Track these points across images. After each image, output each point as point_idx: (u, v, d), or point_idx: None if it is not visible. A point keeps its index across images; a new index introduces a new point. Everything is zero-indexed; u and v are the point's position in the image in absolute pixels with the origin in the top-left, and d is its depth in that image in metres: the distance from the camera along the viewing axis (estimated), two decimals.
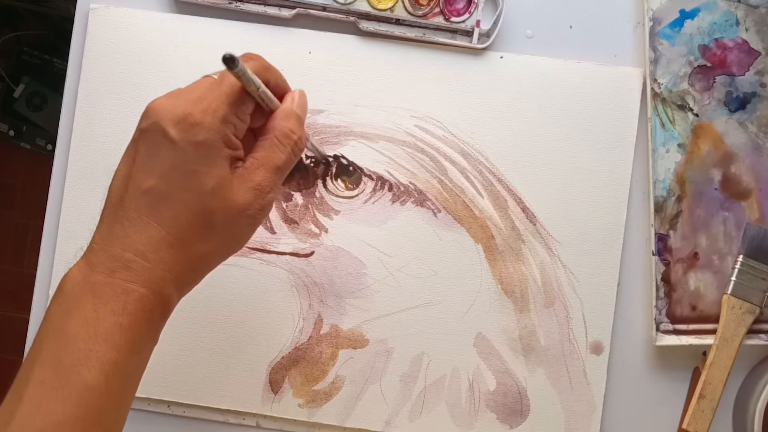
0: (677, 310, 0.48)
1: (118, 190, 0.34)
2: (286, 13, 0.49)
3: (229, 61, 0.32)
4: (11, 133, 1.20)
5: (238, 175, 0.35)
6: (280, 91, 0.38)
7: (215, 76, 0.36)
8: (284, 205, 0.49)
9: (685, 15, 0.49)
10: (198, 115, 0.33)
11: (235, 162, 0.35)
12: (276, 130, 0.36)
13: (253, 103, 0.36)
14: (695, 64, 0.48)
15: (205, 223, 0.34)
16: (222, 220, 0.34)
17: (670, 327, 0.48)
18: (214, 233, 0.34)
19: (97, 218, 0.51)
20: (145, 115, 0.34)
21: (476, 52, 0.49)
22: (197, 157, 0.33)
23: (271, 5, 0.50)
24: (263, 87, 0.36)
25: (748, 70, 0.48)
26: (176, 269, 0.34)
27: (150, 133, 0.34)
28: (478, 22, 0.49)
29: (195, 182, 0.33)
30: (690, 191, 0.48)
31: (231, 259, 0.37)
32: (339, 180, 0.49)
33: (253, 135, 0.38)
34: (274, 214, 0.49)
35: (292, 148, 0.37)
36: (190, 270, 0.35)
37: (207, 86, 0.35)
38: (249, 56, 0.36)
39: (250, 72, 0.34)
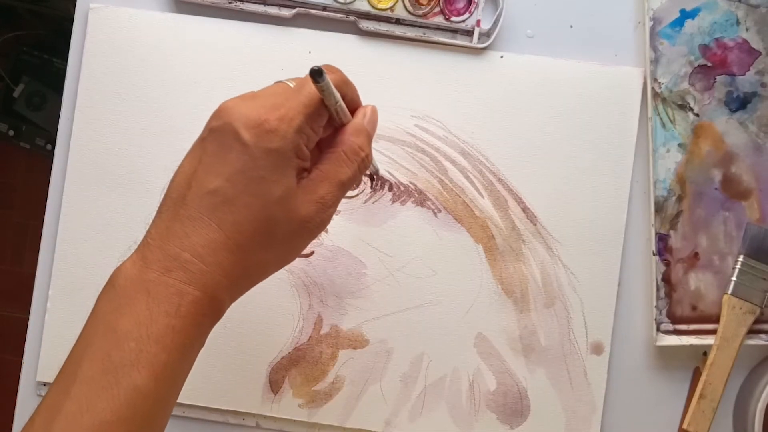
0: (678, 310, 0.48)
1: (180, 187, 0.33)
2: (286, 12, 0.49)
3: (317, 74, 0.32)
4: (11, 132, 1.20)
5: (302, 187, 0.34)
6: (353, 105, 0.38)
7: (290, 84, 0.35)
8: None
9: (686, 14, 0.48)
10: (274, 123, 0.32)
11: (301, 173, 0.35)
12: (345, 144, 0.36)
13: (327, 115, 0.35)
14: (696, 64, 0.48)
15: (266, 231, 0.33)
16: (283, 230, 0.34)
17: (671, 327, 0.48)
18: (273, 243, 0.34)
19: (96, 218, 0.50)
20: (217, 114, 0.34)
21: (476, 51, 0.49)
22: (268, 165, 0.32)
23: (271, 5, 0.49)
24: (341, 101, 0.35)
25: (749, 69, 0.48)
26: (232, 275, 0.33)
27: (221, 133, 0.33)
28: (478, 22, 0.49)
29: (262, 189, 0.33)
30: (690, 191, 0.48)
31: None
32: None
33: (316, 147, 0.37)
34: None
35: (359, 165, 0.36)
36: (245, 277, 0.34)
37: (284, 93, 0.34)
38: (330, 69, 0.36)
39: (332, 86, 0.34)
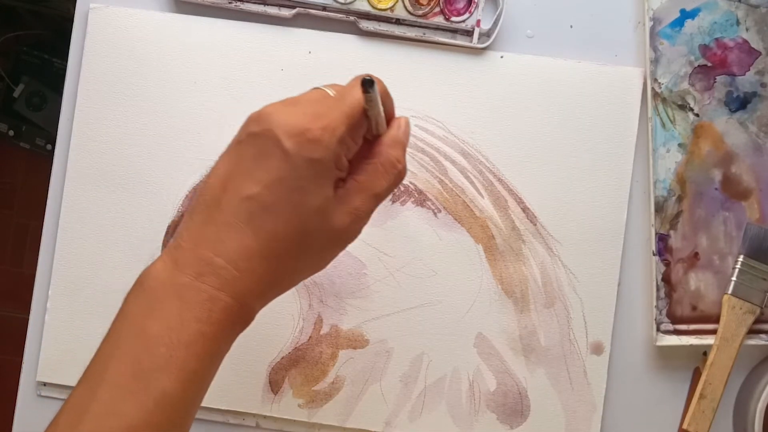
0: (678, 310, 0.48)
1: (214, 189, 0.33)
2: (286, 12, 0.49)
3: (368, 83, 0.32)
4: (11, 133, 1.20)
5: (338, 197, 0.34)
6: (387, 116, 0.37)
7: (329, 92, 0.35)
8: None
9: (686, 15, 0.48)
10: (317, 132, 0.32)
11: (338, 183, 0.34)
12: (382, 156, 0.36)
13: (366, 126, 0.35)
14: (696, 64, 0.48)
15: (301, 241, 0.33)
16: (318, 241, 0.34)
17: (671, 327, 0.48)
18: (307, 252, 0.34)
19: (97, 218, 0.50)
20: (257, 119, 0.33)
21: (476, 51, 0.49)
22: (308, 175, 0.32)
23: (270, 5, 0.49)
24: (382, 112, 0.35)
25: (749, 69, 0.48)
26: (264, 282, 0.33)
27: (261, 139, 0.32)
28: (478, 22, 0.49)
29: (301, 199, 0.32)
30: (690, 191, 0.48)
31: None
32: None
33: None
34: None
35: (395, 178, 0.36)
36: (275, 285, 0.34)
37: (325, 102, 0.34)
38: (375, 79, 0.35)
39: (379, 97, 0.33)
